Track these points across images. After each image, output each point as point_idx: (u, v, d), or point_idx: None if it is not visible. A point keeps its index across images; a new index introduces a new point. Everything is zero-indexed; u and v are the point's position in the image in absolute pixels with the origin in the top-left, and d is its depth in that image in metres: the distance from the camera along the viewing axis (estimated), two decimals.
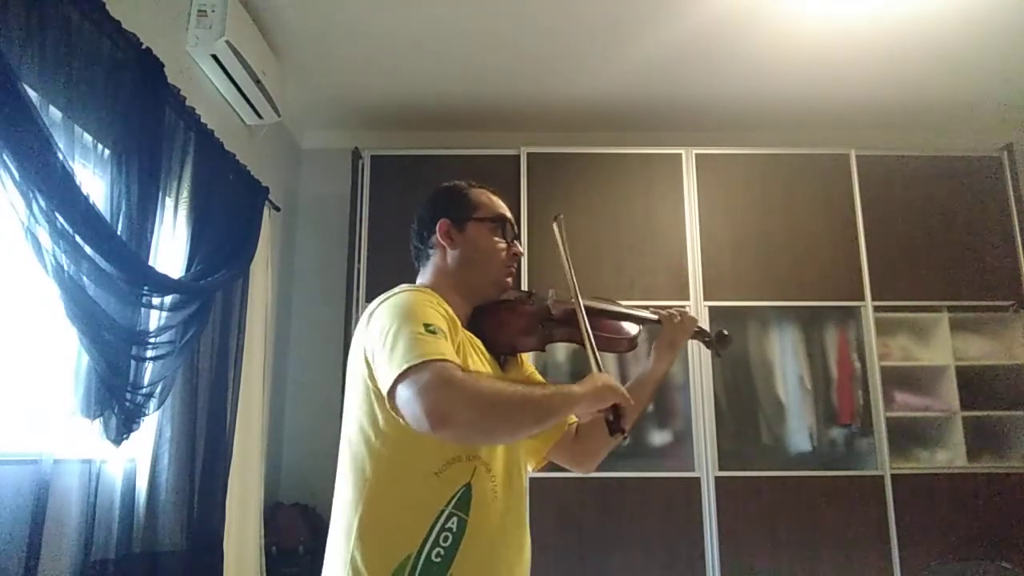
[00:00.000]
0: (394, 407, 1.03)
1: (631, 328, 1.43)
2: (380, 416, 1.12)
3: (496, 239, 1.31)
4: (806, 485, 3.02)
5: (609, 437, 1.18)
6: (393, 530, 1.09)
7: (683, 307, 1.56)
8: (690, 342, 1.58)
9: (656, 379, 1.45)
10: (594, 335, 1.30)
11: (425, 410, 0.97)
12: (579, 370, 3.22)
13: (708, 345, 1.58)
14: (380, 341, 1.09)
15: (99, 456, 1.91)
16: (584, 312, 1.29)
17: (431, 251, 1.32)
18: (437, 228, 1.31)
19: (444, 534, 1.08)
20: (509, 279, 1.33)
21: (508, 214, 1.35)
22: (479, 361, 1.21)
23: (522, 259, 3.18)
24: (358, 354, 1.16)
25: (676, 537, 2.97)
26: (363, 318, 1.19)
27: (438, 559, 1.07)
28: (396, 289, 1.20)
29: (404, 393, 1.00)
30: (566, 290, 1.35)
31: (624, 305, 1.49)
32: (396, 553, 1.07)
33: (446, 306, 1.18)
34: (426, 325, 1.07)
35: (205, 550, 2.42)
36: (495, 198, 1.37)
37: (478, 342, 1.25)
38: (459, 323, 1.20)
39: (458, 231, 1.31)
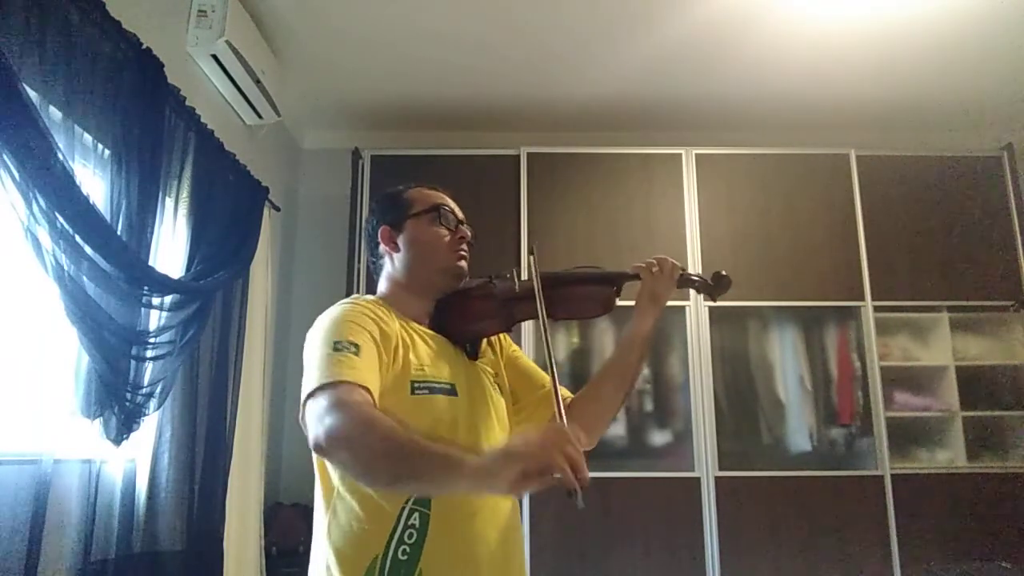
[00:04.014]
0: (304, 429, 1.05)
1: (604, 289, 1.34)
2: None
3: (437, 228, 1.29)
4: (806, 485, 3.02)
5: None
6: (359, 533, 1.10)
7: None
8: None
9: (642, 337, 1.35)
10: (565, 306, 1.28)
11: (312, 436, 0.99)
12: (579, 370, 3.22)
13: (701, 290, 1.41)
14: (305, 362, 1.11)
15: (99, 456, 1.91)
16: (546, 328, 1.22)
17: (382, 261, 1.33)
18: (379, 236, 1.31)
19: (408, 531, 1.09)
20: (461, 263, 1.30)
21: (445, 202, 1.32)
22: (430, 355, 1.19)
23: (522, 258, 3.18)
24: None
25: (676, 537, 2.97)
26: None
27: (404, 556, 1.08)
28: (339, 303, 1.20)
29: (308, 413, 1.03)
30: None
31: (598, 269, 1.39)
32: (364, 556, 1.08)
33: (377, 312, 1.17)
34: (336, 343, 1.07)
35: (205, 550, 2.42)
36: (431, 191, 1.34)
37: (429, 335, 1.24)
38: (394, 323, 1.18)
39: (398, 233, 1.30)
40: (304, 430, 1.04)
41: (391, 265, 1.31)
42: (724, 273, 1.39)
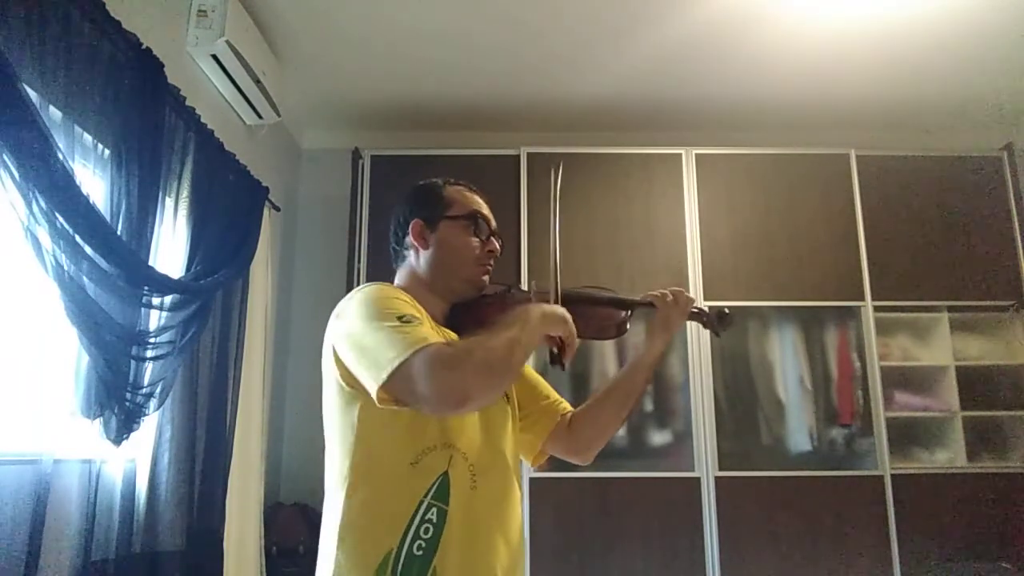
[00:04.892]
0: (389, 403, 1.02)
1: (619, 313, 1.37)
2: (354, 414, 1.11)
3: (470, 237, 1.28)
4: (806, 485, 3.02)
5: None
6: (374, 526, 1.08)
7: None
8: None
9: (650, 362, 1.38)
10: (580, 322, 1.29)
11: (440, 397, 0.99)
12: (580, 371, 3.22)
13: (707, 325, 1.47)
14: (357, 343, 1.08)
15: (99, 456, 1.91)
16: (558, 270, 1.28)
17: (406, 252, 1.31)
18: (410, 229, 1.29)
19: (424, 525, 1.08)
20: (485, 277, 1.30)
21: (483, 210, 1.32)
22: None
23: (521, 258, 3.19)
24: (328, 354, 1.15)
25: (676, 537, 2.97)
26: (331, 318, 1.17)
27: (420, 552, 1.07)
28: (361, 286, 1.19)
29: (406, 388, 1.00)
30: (547, 280, 1.33)
31: (611, 291, 1.43)
32: (378, 549, 1.06)
33: (413, 300, 1.18)
34: (400, 317, 1.07)
35: (205, 550, 2.42)
36: (470, 194, 1.33)
37: (454, 337, 1.24)
38: (424, 316, 1.18)
39: (431, 231, 1.28)
40: (403, 403, 1.02)
41: (415, 260, 1.29)
42: (728, 311, 1.44)
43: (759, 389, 3.25)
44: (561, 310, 1.18)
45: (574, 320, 1.27)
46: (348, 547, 1.08)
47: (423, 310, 1.18)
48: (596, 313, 1.36)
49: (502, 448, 1.21)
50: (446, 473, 1.11)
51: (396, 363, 0.99)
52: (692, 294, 3.10)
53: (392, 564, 1.06)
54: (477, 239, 1.29)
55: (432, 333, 1.07)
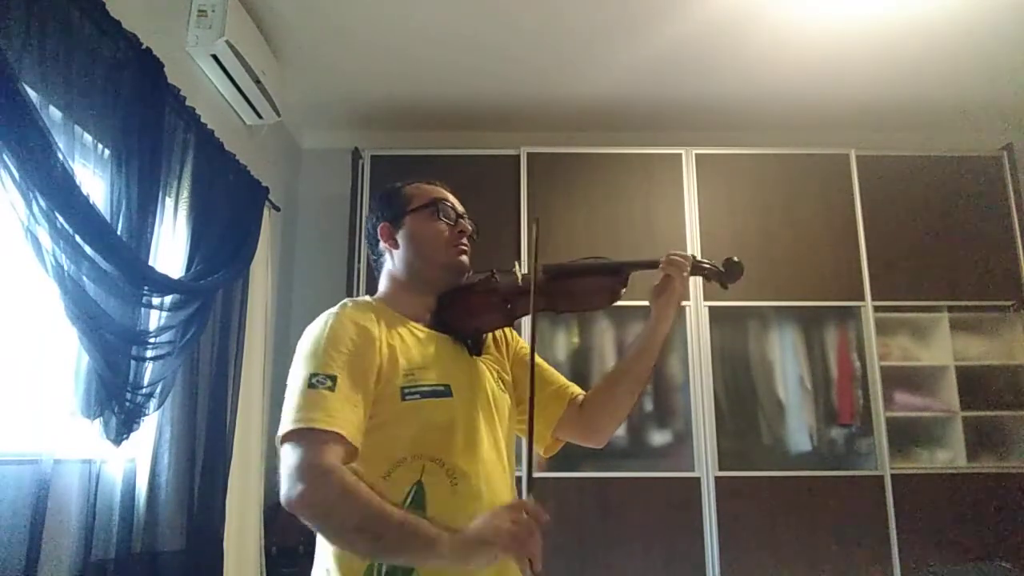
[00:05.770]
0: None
1: (609, 279, 1.31)
2: None
3: (436, 223, 1.27)
4: (806, 485, 3.02)
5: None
6: None
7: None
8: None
9: (663, 335, 1.30)
10: (569, 299, 1.27)
11: (284, 492, 1.00)
12: (579, 370, 3.22)
13: (711, 278, 1.35)
14: (289, 384, 1.12)
15: (99, 456, 1.91)
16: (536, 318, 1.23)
17: (382, 258, 1.31)
18: (379, 233, 1.30)
19: None
20: (463, 258, 1.28)
21: (445, 195, 1.31)
22: (422, 356, 1.18)
23: (522, 257, 3.18)
24: None
25: (676, 537, 2.97)
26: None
27: None
28: (327, 313, 1.18)
29: (282, 461, 1.03)
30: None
31: (601, 258, 1.36)
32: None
33: (361, 322, 1.14)
34: (312, 376, 1.07)
35: (205, 550, 2.42)
36: (429, 185, 1.33)
37: (424, 333, 1.22)
38: (380, 330, 1.15)
39: (397, 229, 1.28)
40: (278, 463, 1.04)
41: (391, 262, 1.30)
42: (736, 259, 1.35)
43: (759, 389, 3.24)
44: (494, 538, 0.98)
45: (562, 297, 1.27)
46: (335, 557, 1.10)
47: (376, 334, 1.14)
48: (586, 284, 1.32)
49: (491, 447, 1.20)
50: (419, 483, 1.11)
51: (285, 431, 1.04)
52: (692, 294, 3.14)
53: (376, 571, 1.07)
54: (445, 223, 1.28)
55: (333, 410, 1.04)
